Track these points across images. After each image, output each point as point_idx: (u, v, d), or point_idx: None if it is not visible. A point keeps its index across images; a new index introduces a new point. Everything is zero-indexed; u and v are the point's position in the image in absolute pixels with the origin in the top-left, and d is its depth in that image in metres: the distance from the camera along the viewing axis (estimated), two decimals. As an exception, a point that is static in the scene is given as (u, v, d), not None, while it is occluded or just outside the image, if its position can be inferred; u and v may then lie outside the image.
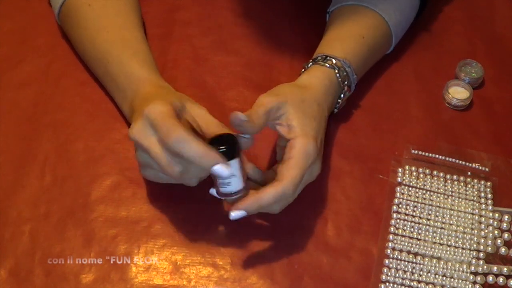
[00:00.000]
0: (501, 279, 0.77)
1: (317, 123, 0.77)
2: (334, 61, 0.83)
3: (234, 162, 0.71)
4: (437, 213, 0.81)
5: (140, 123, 0.71)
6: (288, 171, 0.73)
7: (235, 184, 0.72)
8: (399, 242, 0.79)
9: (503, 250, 0.79)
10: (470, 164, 0.86)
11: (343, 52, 0.85)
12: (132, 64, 0.81)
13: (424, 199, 0.82)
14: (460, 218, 0.81)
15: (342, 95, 0.85)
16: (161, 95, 0.76)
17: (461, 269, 0.77)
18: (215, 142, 0.72)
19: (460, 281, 0.76)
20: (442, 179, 0.84)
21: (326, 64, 0.83)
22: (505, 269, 0.77)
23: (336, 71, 0.83)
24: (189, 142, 0.68)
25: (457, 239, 0.79)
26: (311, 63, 0.84)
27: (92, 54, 0.87)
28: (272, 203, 0.73)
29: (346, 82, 0.84)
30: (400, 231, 0.80)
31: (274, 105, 0.75)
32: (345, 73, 0.84)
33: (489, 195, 0.83)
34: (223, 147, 0.71)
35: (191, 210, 0.80)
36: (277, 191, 0.73)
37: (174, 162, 0.70)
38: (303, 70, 0.85)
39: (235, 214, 0.73)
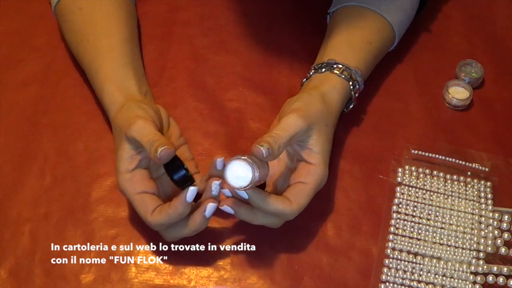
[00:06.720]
0: (501, 279, 0.77)
1: (331, 145, 0.79)
2: (350, 72, 0.83)
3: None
4: (437, 213, 0.81)
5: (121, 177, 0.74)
6: (300, 199, 0.74)
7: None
8: (399, 242, 0.79)
9: (503, 250, 0.79)
10: (470, 164, 0.86)
11: (355, 61, 0.84)
12: (100, 76, 0.82)
13: (424, 199, 0.82)
14: (460, 218, 0.81)
15: (351, 106, 0.85)
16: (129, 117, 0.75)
17: (461, 269, 0.77)
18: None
19: (460, 281, 0.76)
20: (442, 179, 0.84)
21: (342, 76, 0.82)
22: (505, 269, 0.77)
23: (351, 83, 0.83)
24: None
25: (457, 239, 0.79)
26: (324, 69, 0.83)
27: (77, 59, 0.88)
28: (269, 212, 0.73)
29: (357, 95, 0.84)
30: (400, 231, 0.80)
31: (302, 129, 0.75)
32: (357, 86, 0.84)
33: (489, 195, 0.83)
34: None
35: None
36: (283, 209, 0.73)
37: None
38: (313, 71, 0.84)
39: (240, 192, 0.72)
